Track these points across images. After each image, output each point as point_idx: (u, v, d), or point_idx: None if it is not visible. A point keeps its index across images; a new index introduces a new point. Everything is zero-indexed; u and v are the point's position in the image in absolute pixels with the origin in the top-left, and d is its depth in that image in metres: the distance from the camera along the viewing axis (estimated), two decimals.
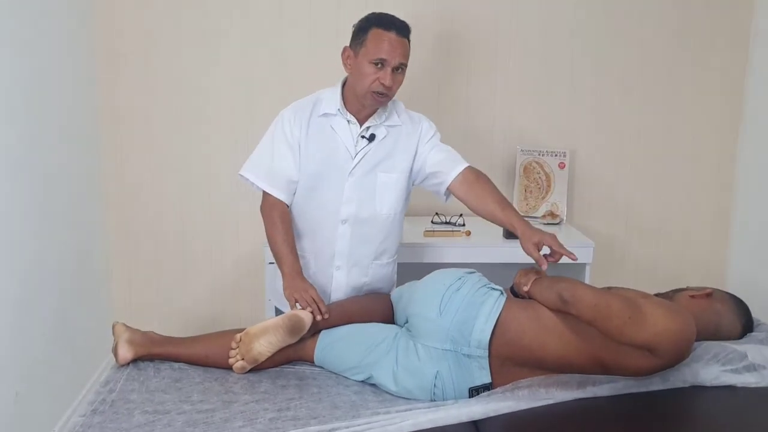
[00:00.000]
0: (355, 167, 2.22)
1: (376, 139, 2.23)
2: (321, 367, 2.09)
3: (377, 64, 2.08)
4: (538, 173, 3.27)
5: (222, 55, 3.08)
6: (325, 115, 2.21)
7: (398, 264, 2.93)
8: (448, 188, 2.27)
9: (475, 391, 1.88)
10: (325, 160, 2.21)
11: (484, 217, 2.22)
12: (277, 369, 2.08)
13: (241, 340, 2.01)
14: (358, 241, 2.27)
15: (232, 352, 2.03)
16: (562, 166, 3.25)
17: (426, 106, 2.94)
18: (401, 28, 2.11)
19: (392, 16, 2.14)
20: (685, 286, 2.12)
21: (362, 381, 2.01)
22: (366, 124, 2.22)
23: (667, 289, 2.11)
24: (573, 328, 1.85)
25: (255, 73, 3.09)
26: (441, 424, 1.77)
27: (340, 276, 2.30)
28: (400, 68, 2.12)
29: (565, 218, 3.26)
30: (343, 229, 2.24)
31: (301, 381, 2.02)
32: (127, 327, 2.12)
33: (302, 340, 2.07)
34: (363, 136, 2.22)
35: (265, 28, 3.07)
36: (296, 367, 2.10)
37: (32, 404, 2.45)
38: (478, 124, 3.26)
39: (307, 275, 2.22)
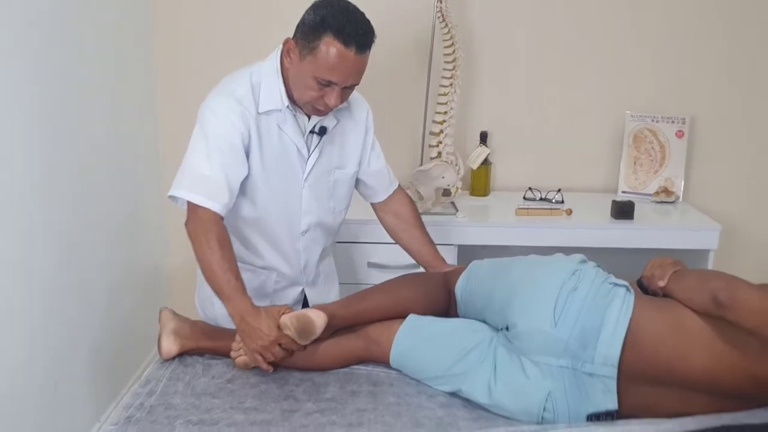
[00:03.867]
0: (310, 171, 1.83)
1: (327, 130, 1.83)
2: (398, 371, 1.73)
3: (325, 84, 1.65)
4: (651, 142, 2.81)
5: None
6: (267, 112, 1.74)
7: (483, 248, 2.55)
8: (374, 205, 2.07)
9: (595, 418, 1.49)
10: (277, 167, 1.79)
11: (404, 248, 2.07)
12: (347, 370, 1.73)
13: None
14: (316, 247, 1.96)
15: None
16: (680, 134, 2.78)
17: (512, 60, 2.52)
18: (362, 45, 1.62)
19: (355, 20, 1.62)
20: None
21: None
22: (314, 117, 1.79)
23: None
24: (724, 335, 1.43)
25: None
26: None
27: (312, 292, 2.01)
28: (352, 86, 1.70)
29: (681, 196, 2.79)
30: (304, 241, 1.90)
31: (375, 387, 1.66)
32: (175, 314, 1.82)
33: (376, 339, 1.72)
34: (313, 131, 1.81)
35: None
36: (369, 368, 1.75)
37: (72, 396, 2.21)
38: (577, 83, 2.82)
39: (274, 291, 1.92)
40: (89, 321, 2.32)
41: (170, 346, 1.74)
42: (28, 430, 1.96)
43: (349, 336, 1.75)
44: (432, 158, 2.61)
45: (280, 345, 1.63)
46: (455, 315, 1.83)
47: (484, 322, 1.71)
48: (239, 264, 1.74)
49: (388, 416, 1.54)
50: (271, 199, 1.80)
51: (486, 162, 2.78)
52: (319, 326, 1.62)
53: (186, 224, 1.69)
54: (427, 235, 2.03)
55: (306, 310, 1.65)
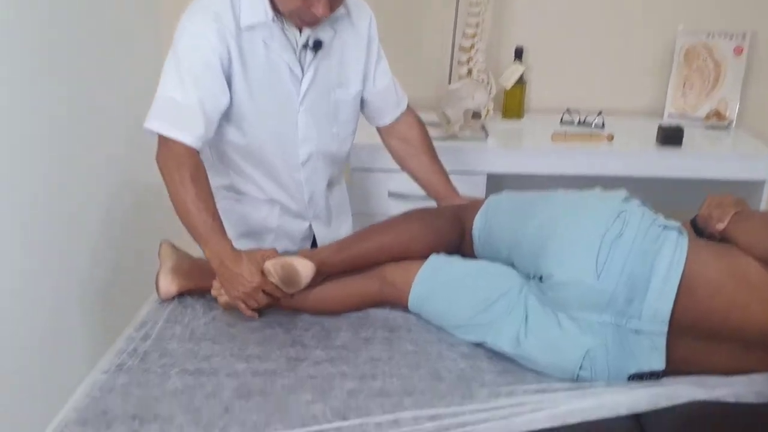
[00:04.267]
0: (306, 93, 1.60)
1: (323, 45, 1.58)
2: (416, 315, 1.57)
3: None
4: (705, 60, 2.54)
5: None
6: (250, 27, 1.51)
7: (515, 177, 2.35)
8: (379, 129, 1.85)
9: (638, 378, 1.32)
10: (265, 91, 1.57)
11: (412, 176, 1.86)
12: (360, 314, 1.58)
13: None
14: (319, 178, 1.75)
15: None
16: (738, 51, 2.50)
17: None
18: None
19: None
20: None
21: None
22: (306, 29, 1.56)
23: None
24: None
25: None
26: (591, 418, 1.23)
27: (319, 227, 1.81)
28: None
29: (735, 121, 2.54)
30: (305, 173, 1.69)
31: (390, 333, 1.51)
32: (175, 249, 1.67)
33: (392, 281, 1.56)
34: (306, 46, 1.57)
35: None
36: (385, 312, 1.60)
37: (70, 340, 2.10)
38: None
39: (278, 226, 1.73)
40: (87, 256, 2.19)
41: (168, 285, 1.60)
42: (25, 376, 1.87)
43: (362, 277, 1.58)
44: (461, 77, 2.38)
45: (264, 291, 1.47)
46: (471, 256, 1.65)
47: (511, 265, 1.53)
48: (237, 196, 1.58)
49: (404, 367, 1.38)
50: (262, 128, 1.60)
51: (520, 81, 2.55)
52: (305, 277, 1.46)
53: (156, 158, 1.50)
54: (437, 162, 1.82)
55: (292, 259, 1.47)
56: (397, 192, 2.31)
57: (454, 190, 1.80)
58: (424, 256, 1.57)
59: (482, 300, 1.45)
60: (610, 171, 2.30)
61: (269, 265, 1.46)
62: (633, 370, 1.31)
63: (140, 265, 2.26)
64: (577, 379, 1.33)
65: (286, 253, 1.57)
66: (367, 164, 2.31)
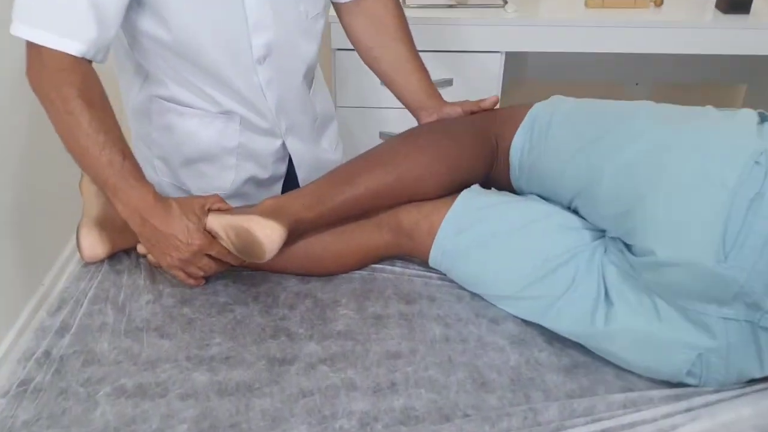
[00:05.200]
0: None
1: None
2: (440, 274, 1.16)
3: None
4: None
5: None
6: None
7: (539, 55, 1.87)
8: (339, 8, 1.30)
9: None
10: None
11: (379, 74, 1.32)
12: (365, 274, 1.16)
13: None
14: (288, 79, 1.23)
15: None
16: None
17: None
18: None
19: None
20: None
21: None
22: None
23: None
24: None
25: None
26: None
27: (295, 144, 1.31)
28: None
29: None
30: (265, 73, 1.16)
31: (408, 306, 1.09)
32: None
33: (409, 230, 1.12)
34: None
35: None
36: (396, 270, 1.18)
37: None
38: None
39: (240, 144, 1.25)
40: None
41: (93, 244, 1.14)
42: None
43: (366, 225, 1.15)
44: None
45: (209, 256, 1.05)
46: (506, 188, 1.22)
47: (575, 212, 1.09)
48: (181, 108, 1.11)
49: (434, 367, 0.98)
50: (191, 15, 1.06)
51: None
52: (270, 248, 1.02)
53: (27, 75, 1.00)
54: (418, 57, 1.30)
55: (249, 219, 1.01)
56: (390, 132, 1.85)
57: (439, 96, 1.29)
58: (439, 196, 1.13)
59: (539, 264, 1.03)
60: (658, 47, 1.86)
61: (217, 226, 1.02)
62: (757, 376, 0.93)
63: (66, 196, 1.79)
64: (678, 384, 0.94)
65: (242, 208, 1.11)
66: (354, 101, 1.85)
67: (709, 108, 1.03)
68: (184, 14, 1.05)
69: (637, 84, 2.41)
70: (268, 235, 1.01)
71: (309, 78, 1.29)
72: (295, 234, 1.07)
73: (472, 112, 1.25)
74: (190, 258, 1.03)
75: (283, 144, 1.29)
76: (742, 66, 2.26)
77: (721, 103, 2.48)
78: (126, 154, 1.00)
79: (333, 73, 1.88)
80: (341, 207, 1.09)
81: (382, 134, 1.93)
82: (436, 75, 1.86)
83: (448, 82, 1.88)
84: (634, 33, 1.84)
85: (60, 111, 0.97)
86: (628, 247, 0.97)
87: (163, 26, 1.06)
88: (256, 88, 1.18)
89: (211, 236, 1.03)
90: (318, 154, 1.37)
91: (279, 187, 1.37)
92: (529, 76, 2.23)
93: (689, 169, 0.91)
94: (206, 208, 1.05)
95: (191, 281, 1.08)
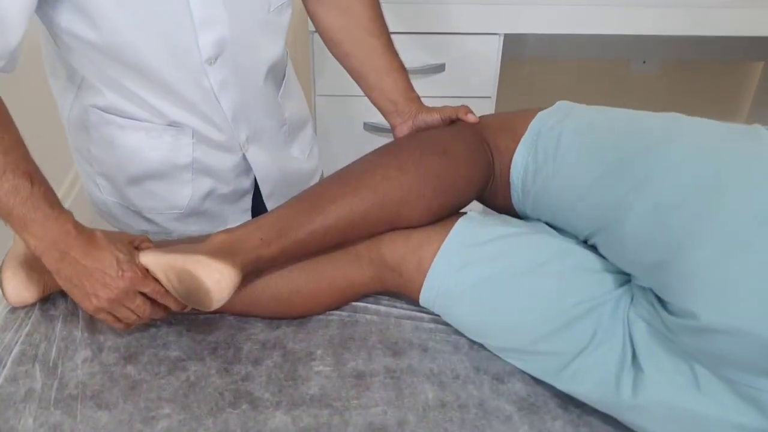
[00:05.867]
0: None
1: None
2: (433, 315, 0.98)
3: None
4: None
5: None
6: None
7: (542, 38, 1.68)
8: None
9: None
10: None
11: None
12: (344, 315, 0.99)
13: None
14: (245, 81, 1.02)
15: None
16: None
17: None
18: None
19: None
20: None
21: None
22: None
23: None
24: None
25: None
26: None
27: (258, 156, 1.10)
28: None
29: None
30: (216, 75, 0.96)
31: (397, 360, 0.92)
32: None
33: (395, 264, 0.95)
34: None
35: None
36: (380, 309, 1.00)
37: None
38: None
39: (195, 161, 1.05)
40: None
41: (19, 287, 0.96)
42: None
43: (343, 258, 0.97)
44: None
45: (144, 295, 0.87)
46: (503, 208, 1.04)
47: (593, 247, 0.92)
48: (121, 120, 0.94)
49: None
50: (121, 9, 0.86)
51: None
52: (218, 299, 0.84)
53: None
54: (394, 53, 1.10)
55: (195, 262, 0.83)
56: (376, 123, 1.65)
57: (417, 99, 1.09)
58: (424, 223, 0.95)
59: (552, 315, 0.86)
60: (668, 28, 1.64)
61: (155, 265, 0.85)
62: None
63: None
64: None
65: (188, 243, 0.93)
66: (334, 89, 1.68)
67: (758, 128, 0.85)
68: (111, 7, 0.85)
69: (644, 62, 2.22)
70: (217, 281, 0.83)
71: (276, 78, 1.10)
72: (251, 275, 0.90)
73: (452, 121, 1.06)
74: (120, 296, 0.84)
75: (244, 157, 1.10)
76: (759, 43, 2.08)
77: (735, 82, 2.30)
78: (35, 178, 0.80)
79: (311, 59, 1.68)
80: (308, 240, 0.91)
81: (366, 125, 1.74)
82: (426, 60, 1.67)
83: (440, 68, 1.69)
84: (652, 15, 1.65)
85: None
86: (661, 300, 0.80)
87: (87, 22, 0.86)
88: (206, 93, 0.98)
89: (146, 270, 0.86)
90: (286, 165, 1.18)
91: (248, 201, 1.18)
92: (528, 55, 2.04)
93: (746, 215, 0.73)
94: (134, 245, 0.87)
95: (120, 326, 0.89)
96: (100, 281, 0.83)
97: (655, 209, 0.79)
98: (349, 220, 0.92)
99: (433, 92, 1.75)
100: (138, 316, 0.87)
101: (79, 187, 1.89)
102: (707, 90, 2.31)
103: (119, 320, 0.87)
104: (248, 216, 1.18)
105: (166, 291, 0.87)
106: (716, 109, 2.32)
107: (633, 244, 0.82)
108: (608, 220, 0.85)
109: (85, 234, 0.84)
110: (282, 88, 1.13)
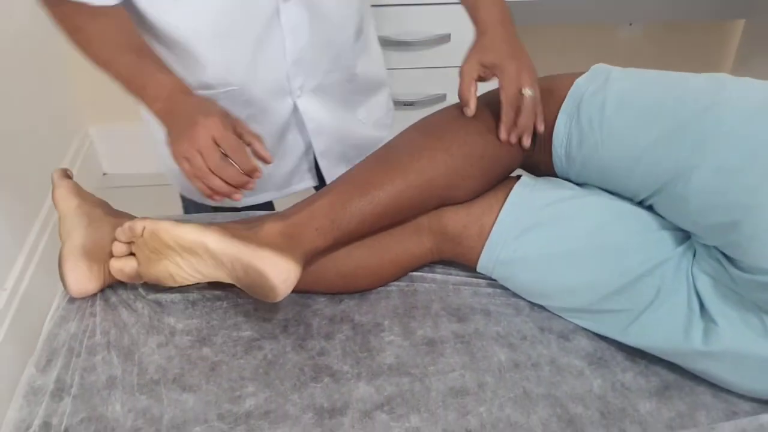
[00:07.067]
0: None
1: None
2: (489, 280, 1.01)
3: None
4: None
5: None
6: None
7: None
8: None
9: None
10: None
11: None
12: (403, 285, 1.01)
13: (144, 234, 0.87)
14: (318, 30, 1.00)
15: (119, 247, 0.92)
16: None
17: None
18: None
19: None
20: None
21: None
22: None
23: None
24: None
25: None
26: None
27: (309, 106, 1.08)
28: None
29: None
30: (290, 12, 0.96)
31: (463, 325, 0.95)
32: (86, 199, 1.01)
33: (455, 234, 0.97)
34: None
35: None
36: (436, 276, 1.03)
37: None
38: None
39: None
40: None
41: (82, 279, 0.95)
42: None
43: (404, 233, 0.99)
44: None
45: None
46: (547, 172, 1.05)
47: (650, 207, 0.95)
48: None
49: (510, 407, 0.85)
50: None
51: None
52: (283, 294, 0.85)
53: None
54: None
55: (261, 259, 0.84)
56: (399, 98, 1.60)
57: (500, 23, 1.01)
58: (474, 198, 0.98)
59: (617, 275, 0.89)
60: None
61: (222, 254, 0.85)
62: None
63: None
64: None
65: (243, 226, 0.92)
66: None
67: None
68: None
69: (630, 24, 2.26)
70: (284, 280, 0.84)
71: (354, 29, 1.06)
72: (309, 265, 0.91)
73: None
74: (225, 134, 0.83)
75: (295, 106, 1.07)
76: (738, 0, 2.12)
77: (718, 40, 2.36)
78: (143, 51, 0.91)
79: None
80: (360, 228, 0.93)
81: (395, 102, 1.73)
82: (431, 30, 1.67)
83: (445, 38, 1.69)
84: None
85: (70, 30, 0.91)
86: (728, 257, 0.84)
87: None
88: (266, 36, 0.96)
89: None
90: (346, 125, 1.14)
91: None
92: (529, 21, 2.05)
93: None
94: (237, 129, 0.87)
95: (207, 191, 0.86)
96: (205, 112, 0.85)
97: (719, 171, 0.82)
98: (398, 206, 0.94)
99: (439, 62, 1.77)
100: (230, 180, 0.84)
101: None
102: (692, 49, 2.36)
103: (213, 189, 0.85)
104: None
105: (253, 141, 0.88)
106: (701, 68, 2.37)
107: (697, 206, 0.85)
108: (669, 182, 0.88)
109: (180, 96, 0.88)
110: (359, 42, 1.09)
